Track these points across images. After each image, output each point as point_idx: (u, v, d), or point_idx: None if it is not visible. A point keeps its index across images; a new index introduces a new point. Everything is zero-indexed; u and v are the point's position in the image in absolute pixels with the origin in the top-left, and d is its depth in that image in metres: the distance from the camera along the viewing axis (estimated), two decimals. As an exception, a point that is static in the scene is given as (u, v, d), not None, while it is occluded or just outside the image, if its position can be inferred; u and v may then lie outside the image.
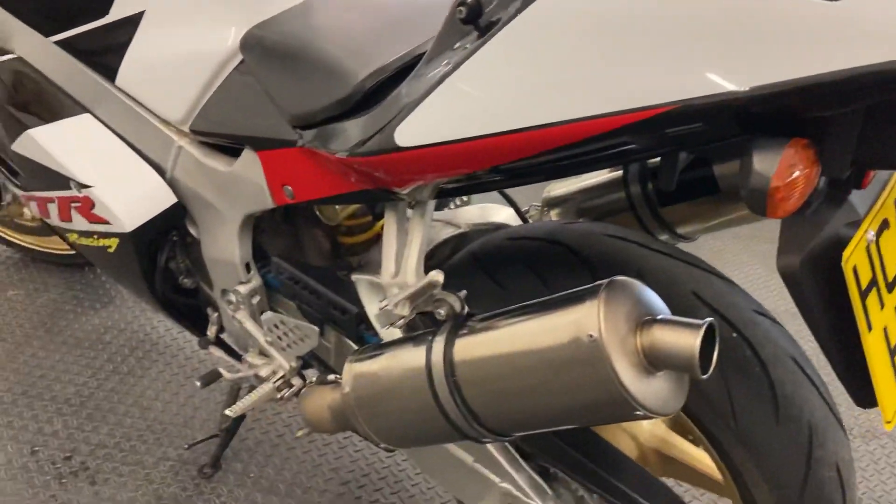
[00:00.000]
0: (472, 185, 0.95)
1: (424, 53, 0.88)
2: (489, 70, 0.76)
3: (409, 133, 0.82)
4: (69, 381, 1.77)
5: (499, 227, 1.28)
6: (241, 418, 1.55)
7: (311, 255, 1.29)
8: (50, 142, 1.27)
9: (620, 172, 1.24)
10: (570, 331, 0.74)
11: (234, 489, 1.53)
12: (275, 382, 1.24)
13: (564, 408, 0.79)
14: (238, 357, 1.40)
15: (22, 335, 1.90)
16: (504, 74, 0.75)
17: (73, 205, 1.32)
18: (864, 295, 0.74)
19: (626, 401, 0.73)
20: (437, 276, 0.90)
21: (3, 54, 1.33)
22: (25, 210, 2.05)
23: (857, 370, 0.78)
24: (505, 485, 1.09)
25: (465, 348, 0.86)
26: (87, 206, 1.28)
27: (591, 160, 0.82)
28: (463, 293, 0.91)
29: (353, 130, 0.91)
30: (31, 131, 1.27)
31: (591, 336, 0.73)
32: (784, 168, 0.64)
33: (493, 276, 1.04)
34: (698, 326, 0.71)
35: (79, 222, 1.34)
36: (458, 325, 0.89)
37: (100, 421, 1.66)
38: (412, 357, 0.92)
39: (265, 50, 1.08)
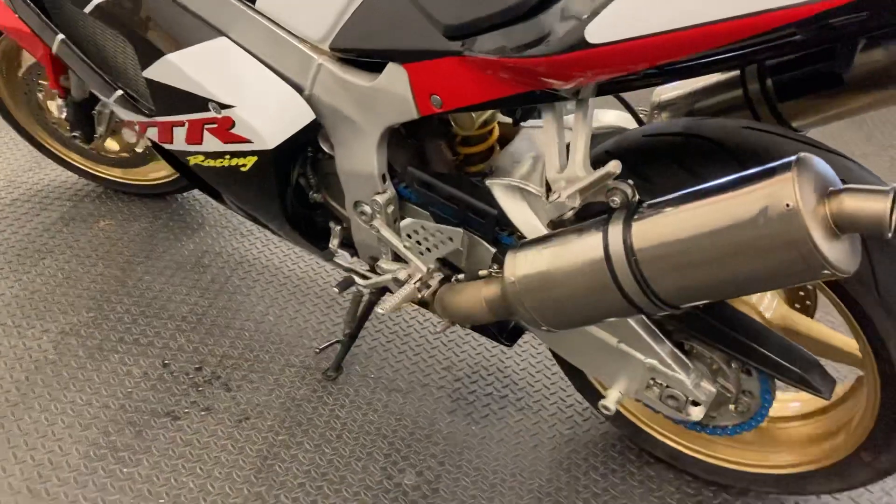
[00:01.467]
0: (633, 81, 1.02)
1: None
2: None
3: (602, 30, 0.89)
4: (181, 300, 1.86)
5: (618, 129, 1.36)
6: (362, 325, 1.66)
7: (433, 164, 1.37)
8: (190, 65, 1.33)
9: (733, 73, 1.31)
10: (766, 202, 0.84)
11: (359, 388, 1.64)
12: (415, 284, 1.34)
13: (752, 276, 0.89)
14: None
15: (124, 261, 1.99)
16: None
17: (207, 126, 1.39)
18: None
19: (820, 263, 0.82)
20: (615, 166, 0.99)
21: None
22: (110, 143, 2.11)
23: None
24: (650, 360, 1.20)
25: (646, 229, 0.95)
26: (224, 126, 1.35)
27: (771, 50, 0.89)
28: (631, 182, 1.00)
29: (529, 33, 0.98)
30: (169, 56, 1.33)
31: (788, 205, 0.82)
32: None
33: (636, 170, 1.13)
34: (886, 192, 0.80)
35: (211, 143, 1.41)
36: (633, 210, 0.98)
37: (219, 335, 1.77)
38: (588, 243, 1.01)
39: None
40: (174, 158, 1.65)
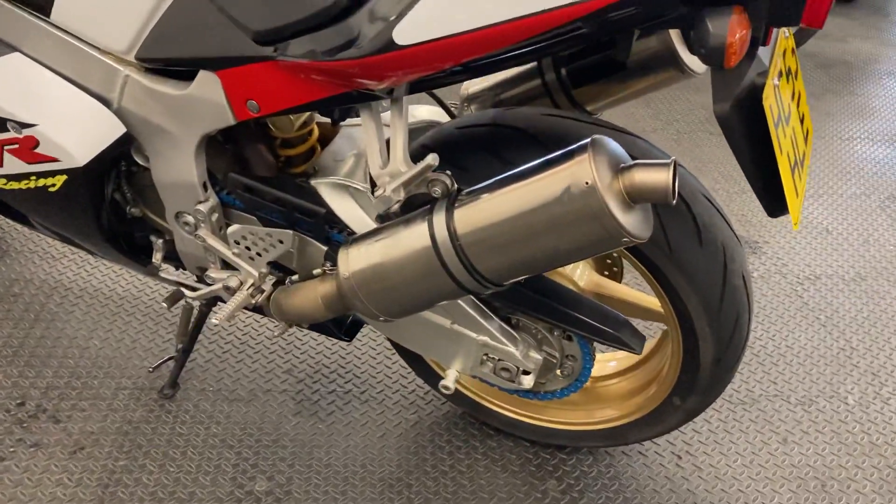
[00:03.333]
0: (442, 79, 1.08)
1: None
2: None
3: (408, 31, 0.94)
4: (-8, 334, 1.75)
5: (433, 123, 1.43)
6: (195, 338, 1.63)
7: (255, 169, 1.37)
8: (-17, 84, 1.25)
9: (531, 65, 1.41)
10: (568, 182, 0.93)
11: (198, 403, 1.62)
12: (248, 290, 1.35)
13: (562, 249, 0.98)
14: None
15: (-80, 299, 1.83)
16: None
17: (7, 147, 1.31)
18: (776, 126, 0.97)
19: (619, 231, 0.92)
20: (433, 159, 1.05)
21: None
22: None
23: (770, 188, 1.02)
24: (482, 337, 1.27)
25: (466, 215, 1.02)
26: (28, 146, 1.29)
27: (562, 43, 0.98)
28: (449, 172, 1.07)
29: (339, 37, 1.01)
30: None
31: (587, 183, 0.91)
32: (734, 28, 0.84)
33: (453, 161, 1.20)
34: (666, 164, 0.91)
35: (13, 165, 1.34)
36: (454, 198, 1.05)
37: (40, 366, 1.67)
38: (414, 233, 1.07)
39: None
40: None
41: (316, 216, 1.29)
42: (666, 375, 1.35)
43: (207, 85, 1.19)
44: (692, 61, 1.31)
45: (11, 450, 1.48)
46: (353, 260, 1.14)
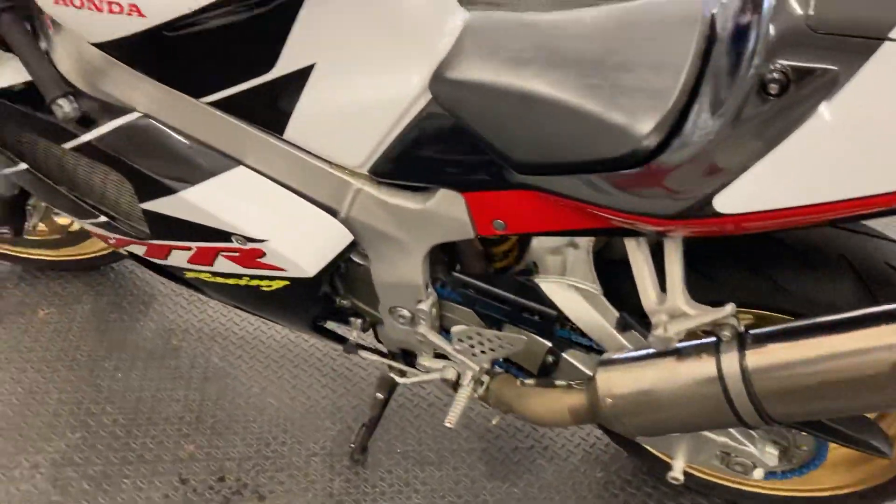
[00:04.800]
0: None
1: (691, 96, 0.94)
2: (822, 142, 0.85)
3: (731, 201, 0.90)
4: (169, 397, 1.75)
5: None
6: (386, 405, 1.63)
7: (467, 265, 1.34)
8: (206, 200, 1.22)
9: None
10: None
11: (392, 469, 1.64)
12: (469, 385, 1.35)
13: (873, 402, 0.96)
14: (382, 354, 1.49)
15: (86, 359, 1.84)
16: (838, 146, 0.84)
17: (224, 254, 1.29)
18: None
19: None
20: (732, 309, 1.02)
21: (118, 112, 1.21)
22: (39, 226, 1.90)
23: None
24: (723, 439, 1.27)
25: (764, 361, 1.01)
26: (251, 256, 1.27)
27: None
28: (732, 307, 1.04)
29: (638, 186, 0.97)
30: (183, 194, 1.21)
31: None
32: None
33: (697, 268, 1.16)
34: None
35: (226, 266, 1.32)
36: (743, 339, 1.03)
37: (226, 432, 1.69)
38: (698, 370, 1.06)
39: (471, 92, 1.08)
40: (150, 262, 1.52)
41: (546, 317, 1.27)
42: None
43: (450, 202, 1.16)
44: None
45: (225, 531, 1.51)
46: (616, 383, 1.13)
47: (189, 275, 1.41)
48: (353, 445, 1.63)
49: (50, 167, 1.33)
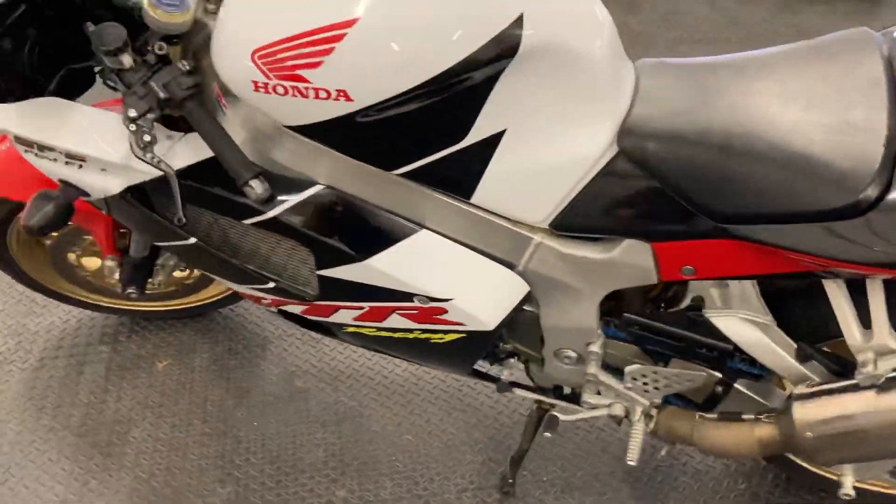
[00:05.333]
0: None
1: None
2: None
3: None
4: (308, 442, 1.78)
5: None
6: (534, 437, 1.66)
7: (632, 304, 1.37)
8: (394, 266, 1.24)
9: None
10: None
11: (542, 498, 1.67)
12: (640, 420, 1.38)
13: None
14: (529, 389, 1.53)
15: (217, 410, 1.86)
16: None
17: (400, 312, 1.31)
18: None
19: None
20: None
21: (302, 186, 1.23)
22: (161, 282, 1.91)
23: None
24: (900, 456, 1.31)
25: None
26: (429, 314, 1.29)
27: None
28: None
29: (859, 235, 0.99)
30: (371, 261, 1.23)
31: None
32: None
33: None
34: None
35: (399, 323, 1.34)
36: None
37: (371, 473, 1.72)
38: None
39: (664, 145, 1.10)
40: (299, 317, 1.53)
41: (722, 351, 1.30)
42: None
43: (635, 252, 1.19)
44: None
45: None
46: (816, 417, 1.17)
47: (349, 329, 1.44)
48: (510, 480, 1.66)
49: (221, 240, 1.35)
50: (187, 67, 1.13)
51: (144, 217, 1.33)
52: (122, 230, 1.70)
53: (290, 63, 1.03)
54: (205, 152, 1.22)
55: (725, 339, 1.28)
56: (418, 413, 1.84)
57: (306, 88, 1.05)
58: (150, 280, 1.78)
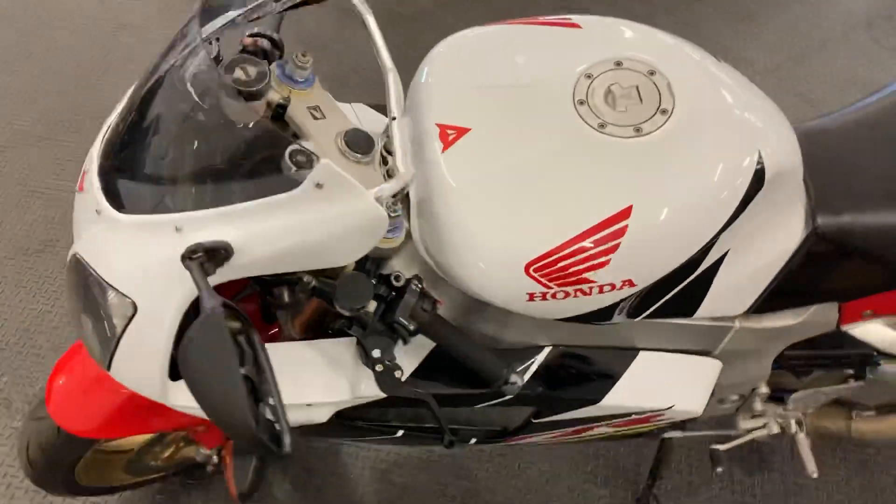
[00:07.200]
0: None
1: None
2: None
3: None
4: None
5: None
6: (665, 460, 1.78)
7: None
8: (623, 398, 1.25)
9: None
10: None
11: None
12: (801, 431, 1.55)
13: None
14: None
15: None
16: None
17: (612, 423, 1.34)
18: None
19: None
20: None
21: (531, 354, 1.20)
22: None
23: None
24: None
25: None
26: (645, 420, 1.33)
27: None
28: None
29: None
30: (605, 401, 1.23)
31: None
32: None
33: None
34: None
35: (602, 431, 1.37)
36: None
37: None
38: None
39: (865, 219, 1.18)
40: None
41: (865, 358, 1.47)
42: None
43: (824, 311, 1.29)
44: None
45: None
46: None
47: (532, 440, 1.43)
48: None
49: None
50: (420, 288, 1.04)
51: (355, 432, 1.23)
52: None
53: (572, 269, 1.00)
54: (416, 357, 1.15)
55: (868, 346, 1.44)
56: (525, 467, 1.88)
57: (590, 288, 1.02)
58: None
